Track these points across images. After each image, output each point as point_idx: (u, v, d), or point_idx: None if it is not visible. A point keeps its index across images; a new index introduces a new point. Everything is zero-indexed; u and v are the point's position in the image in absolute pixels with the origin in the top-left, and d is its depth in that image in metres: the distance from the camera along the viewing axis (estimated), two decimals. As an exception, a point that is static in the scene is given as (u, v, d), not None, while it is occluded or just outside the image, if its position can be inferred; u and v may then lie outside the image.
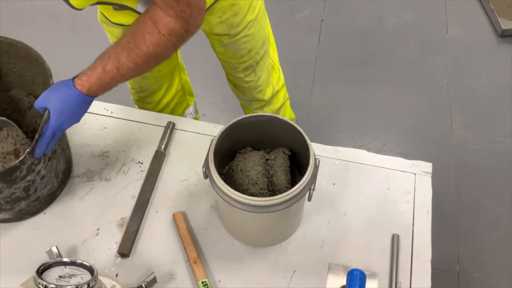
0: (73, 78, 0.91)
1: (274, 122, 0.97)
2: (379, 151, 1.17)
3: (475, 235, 1.80)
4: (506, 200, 1.87)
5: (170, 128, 1.18)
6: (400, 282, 0.97)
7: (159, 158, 1.13)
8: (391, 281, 0.97)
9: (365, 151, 1.17)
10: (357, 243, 1.03)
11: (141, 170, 1.13)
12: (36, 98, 1.12)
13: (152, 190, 1.09)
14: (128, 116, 1.23)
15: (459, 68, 2.33)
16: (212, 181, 0.89)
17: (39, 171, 0.95)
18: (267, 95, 1.48)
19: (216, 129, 1.19)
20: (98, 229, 1.05)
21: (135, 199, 1.08)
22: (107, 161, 1.15)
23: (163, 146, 1.15)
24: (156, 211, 1.07)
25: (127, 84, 1.45)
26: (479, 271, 1.71)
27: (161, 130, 1.19)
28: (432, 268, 0.99)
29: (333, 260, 1.00)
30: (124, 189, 1.11)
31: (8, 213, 1.00)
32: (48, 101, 0.91)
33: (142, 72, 0.93)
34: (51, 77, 0.98)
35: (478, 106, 2.17)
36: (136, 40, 0.87)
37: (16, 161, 0.87)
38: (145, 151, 1.16)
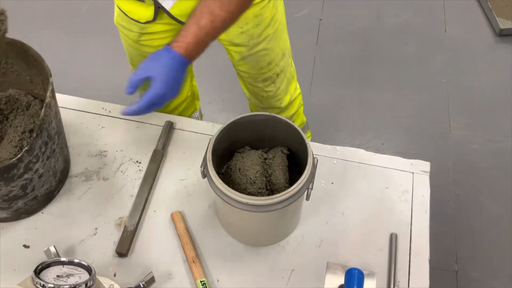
0: (169, 44, 0.89)
1: (273, 121, 0.97)
2: (377, 150, 1.17)
3: (474, 234, 1.80)
4: (505, 199, 1.87)
5: (168, 128, 1.18)
6: (398, 281, 0.97)
7: (157, 158, 1.13)
8: (389, 280, 0.97)
9: (363, 150, 1.17)
10: (355, 242, 1.03)
11: (139, 170, 1.13)
12: (35, 97, 1.12)
13: (150, 189, 1.09)
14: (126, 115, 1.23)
15: (458, 67, 2.33)
16: (210, 181, 0.89)
17: (36, 170, 0.95)
18: (284, 103, 1.48)
19: (214, 129, 1.19)
20: (96, 229, 1.05)
21: (133, 199, 1.08)
22: (105, 160, 1.15)
23: (161, 146, 1.15)
24: (154, 211, 1.07)
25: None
26: (478, 271, 1.71)
27: (159, 129, 1.19)
28: (431, 268, 0.99)
29: (332, 259, 1.00)
30: (122, 189, 1.11)
31: (6, 212, 1.00)
32: (152, 69, 0.88)
33: (235, 21, 0.91)
34: (51, 76, 0.98)
35: (477, 106, 2.18)
36: None
37: (14, 159, 0.87)
38: (143, 151, 1.16)
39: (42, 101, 1.12)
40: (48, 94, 0.94)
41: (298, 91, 1.56)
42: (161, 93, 0.90)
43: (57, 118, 1.02)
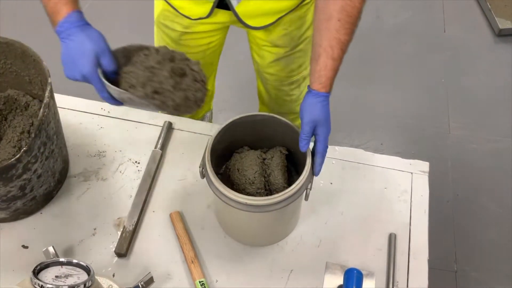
0: (312, 87, 0.90)
1: (271, 122, 0.97)
2: (376, 150, 1.17)
3: (473, 234, 1.80)
4: (504, 199, 1.87)
5: (167, 128, 1.18)
6: (397, 281, 0.97)
7: (156, 158, 1.13)
8: (388, 280, 0.97)
9: (362, 150, 1.17)
10: (354, 243, 1.03)
11: (138, 170, 1.13)
12: (33, 98, 1.12)
13: (149, 189, 1.09)
14: (125, 115, 1.23)
15: (457, 67, 2.33)
16: (209, 181, 0.89)
17: (35, 170, 0.95)
18: None
19: (213, 129, 1.19)
20: (95, 229, 1.04)
21: (132, 199, 1.08)
22: (104, 160, 1.15)
23: (160, 146, 1.15)
24: (153, 211, 1.07)
25: None
26: (477, 270, 1.72)
27: (158, 129, 1.19)
28: (430, 268, 0.99)
29: (330, 260, 1.00)
30: (121, 189, 1.10)
31: (4, 212, 1.00)
32: (316, 118, 0.88)
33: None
34: (49, 76, 0.98)
35: (476, 106, 2.18)
36: (347, 10, 0.87)
37: (13, 159, 0.87)
38: (142, 151, 1.16)
39: (41, 101, 1.12)
40: (47, 94, 0.94)
41: None
42: (329, 132, 0.90)
43: (56, 119, 1.02)
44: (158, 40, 1.30)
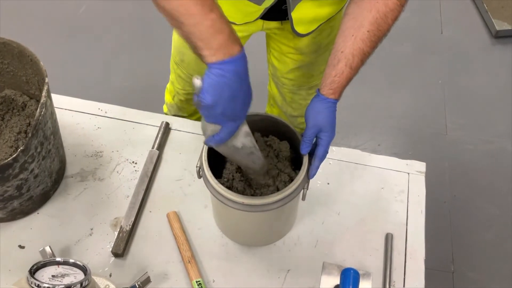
0: (321, 92, 0.89)
1: (268, 122, 0.97)
2: (374, 151, 1.17)
3: (470, 234, 1.80)
4: (501, 199, 1.88)
5: (164, 128, 1.18)
6: (394, 281, 0.98)
7: (153, 158, 1.13)
8: (385, 280, 0.97)
9: (359, 151, 1.17)
10: (351, 243, 1.03)
11: (135, 170, 1.13)
12: (31, 98, 1.12)
13: (146, 190, 1.09)
14: (122, 116, 1.23)
15: (454, 68, 2.34)
16: (206, 180, 0.89)
17: (32, 170, 0.94)
18: None
19: (210, 129, 1.19)
20: (91, 229, 1.04)
21: (129, 199, 1.08)
22: (101, 161, 1.15)
23: (157, 146, 1.15)
24: (150, 211, 1.07)
25: (174, 85, 1.44)
26: (474, 271, 1.72)
27: (156, 130, 1.19)
28: (427, 268, 1.00)
29: (327, 260, 1.00)
30: (118, 189, 1.10)
31: (1, 212, 1.00)
32: (321, 123, 0.88)
33: None
34: (46, 76, 0.98)
35: (473, 107, 2.19)
36: (379, 23, 0.86)
37: (9, 158, 0.87)
38: (139, 151, 1.16)
39: (38, 101, 1.12)
40: (44, 94, 0.94)
41: None
42: (332, 138, 0.90)
43: (53, 118, 1.02)
44: (178, 44, 1.28)
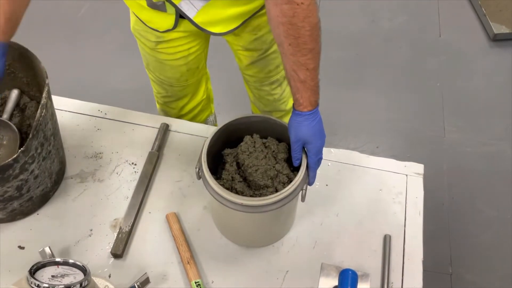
0: (295, 109, 0.91)
1: (267, 123, 0.98)
2: (372, 153, 1.18)
3: (468, 236, 1.81)
4: (499, 202, 1.89)
5: (163, 130, 1.19)
6: (392, 282, 0.98)
7: (152, 159, 1.14)
8: (383, 281, 0.98)
9: (357, 153, 1.18)
10: (349, 244, 1.03)
11: (135, 171, 1.14)
12: (31, 99, 1.13)
13: (145, 191, 1.09)
14: (122, 117, 1.23)
15: (452, 71, 2.35)
16: (205, 182, 0.89)
17: (32, 171, 0.95)
18: (289, 105, 1.48)
19: (209, 130, 1.20)
20: (91, 230, 1.05)
21: (128, 200, 1.08)
22: (101, 162, 1.16)
23: (156, 147, 1.15)
24: (150, 212, 1.08)
25: (153, 90, 1.46)
26: (472, 273, 1.72)
27: (155, 131, 1.20)
28: (425, 270, 1.00)
29: (326, 261, 1.01)
30: (117, 190, 1.11)
31: (1, 213, 1.00)
32: (303, 136, 0.90)
33: (320, 48, 0.90)
34: (47, 77, 0.98)
35: (471, 109, 2.19)
36: (291, 33, 0.85)
37: (9, 159, 0.87)
38: (138, 152, 1.17)
39: (38, 102, 1.12)
40: (44, 95, 0.94)
41: None
42: (321, 145, 0.92)
43: (53, 120, 1.02)
44: (140, 48, 1.31)
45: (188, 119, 1.50)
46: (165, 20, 1.12)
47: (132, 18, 1.24)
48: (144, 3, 1.08)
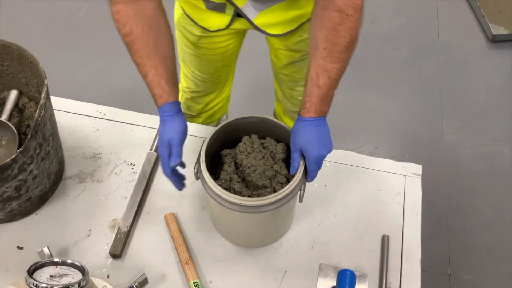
0: (300, 114, 0.91)
1: (265, 124, 0.98)
2: (371, 154, 1.18)
3: (466, 237, 1.81)
4: (497, 202, 1.89)
5: (162, 130, 1.19)
6: (390, 283, 0.98)
7: (151, 160, 1.14)
8: (381, 282, 0.98)
9: (355, 153, 1.18)
10: (347, 244, 1.04)
11: (133, 172, 1.14)
12: (30, 100, 1.13)
13: (144, 191, 1.10)
14: (120, 118, 1.24)
15: (451, 72, 2.35)
16: (204, 182, 0.89)
17: (31, 171, 0.95)
18: None
19: (207, 131, 1.20)
20: (90, 230, 1.05)
21: (127, 201, 1.08)
22: (100, 162, 1.16)
23: (155, 148, 1.16)
24: (148, 212, 1.08)
25: (182, 84, 1.47)
26: (470, 273, 1.72)
27: (154, 132, 1.20)
28: (424, 271, 1.00)
29: (324, 261, 1.01)
30: (116, 191, 1.11)
31: (0, 213, 1.00)
32: (300, 143, 0.90)
33: (348, 64, 0.92)
34: (46, 78, 0.98)
35: (469, 110, 2.20)
36: (331, 39, 0.87)
37: (8, 160, 0.87)
38: (137, 153, 1.17)
39: (37, 103, 1.12)
40: (43, 95, 0.95)
41: None
42: (318, 155, 0.90)
43: (52, 120, 1.02)
44: (178, 41, 1.31)
45: (207, 116, 1.53)
46: (220, 20, 1.12)
47: (178, 12, 1.23)
48: (202, 5, 1.08)
